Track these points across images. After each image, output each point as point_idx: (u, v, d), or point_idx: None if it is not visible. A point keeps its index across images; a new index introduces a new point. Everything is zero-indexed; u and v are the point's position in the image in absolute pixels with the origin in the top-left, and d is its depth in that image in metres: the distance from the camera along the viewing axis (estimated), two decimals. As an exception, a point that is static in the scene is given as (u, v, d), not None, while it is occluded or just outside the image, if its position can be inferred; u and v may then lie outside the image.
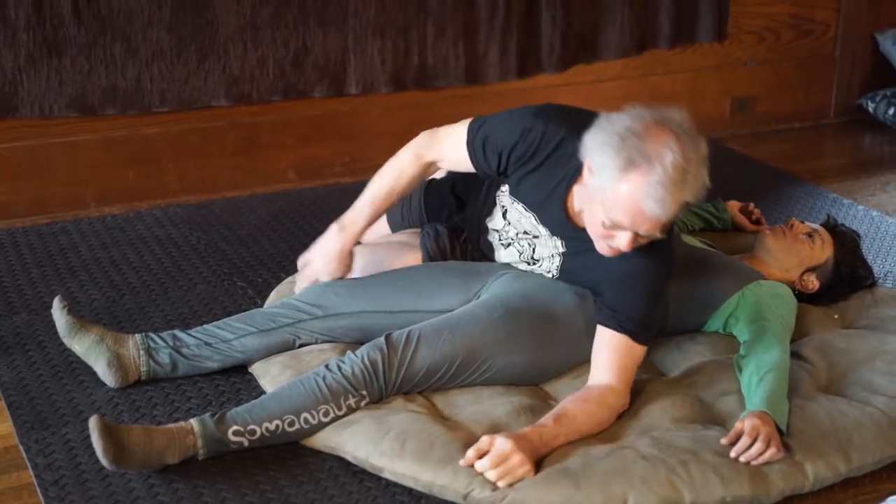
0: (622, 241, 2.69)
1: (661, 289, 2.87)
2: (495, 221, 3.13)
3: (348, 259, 3.17)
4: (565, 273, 3.00)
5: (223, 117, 4.41)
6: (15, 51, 4.01)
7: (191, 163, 4.40)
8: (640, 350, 2.84)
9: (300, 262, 3.26)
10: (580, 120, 2.81)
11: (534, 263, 3.05)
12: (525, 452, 2.63)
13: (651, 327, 2.87)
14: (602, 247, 2.77)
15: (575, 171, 2.83)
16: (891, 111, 5.31)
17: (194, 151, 4.40)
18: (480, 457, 2.64)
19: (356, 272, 3.34)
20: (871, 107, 5.41)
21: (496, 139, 2.94)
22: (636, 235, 2.68)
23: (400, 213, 3.55)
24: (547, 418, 2.75)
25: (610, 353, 2.83)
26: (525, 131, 2.90)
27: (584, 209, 2.80)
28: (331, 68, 4.47)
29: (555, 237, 2.98)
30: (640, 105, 2.69)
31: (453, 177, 3.46)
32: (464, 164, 3.04)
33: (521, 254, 3.07)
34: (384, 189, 3.11)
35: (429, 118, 4.59)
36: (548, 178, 2.90)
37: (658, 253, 2.82)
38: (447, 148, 3.06)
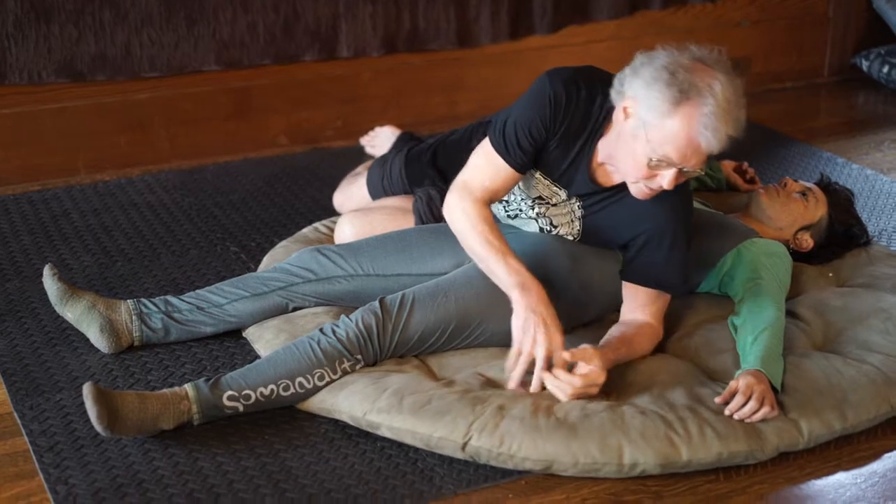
0: (666, 180, 2.65)
1: (690, 238, 2.88)
2: None
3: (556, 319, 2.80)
4: (588, 235, 2.97)
5: (214, 82, 4.38)
6: (3, 17, 3.98)
7: (182, 128, 4.38)
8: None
9: (509, 362, 2.79)
10: (594, 75, 2.83)
11: (553, 229, 3.02)
12: (604, 365, 2.73)
13: (687, 277, 2.94)
14: (639, 189, 2.72)
15: (600, 126, 2.80)
16: (885, 69, 5.29)
17: (185, 117, 4.37)
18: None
19: (347, 237, 3.34)
20: (865, 65, 5.39)
21: (524, 121, 2.81)
22: (679, 172, 2.65)
23: (381, 184, 3.54)
24: (612, 339, 2.83)
25: (648, 305, 2.91)
26: (550, 98, 2.79)
27: (618, 155, 2.74)
28: (322, 32, 4.44)
29: (572, 200, 2.94)
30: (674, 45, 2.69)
31: (434, 148, 3.44)
32: (501, 175, 2.86)
33: (538, 226, 3.04)
34: (495, 243, 2.83)
35: (420, 81, 4.62)
36: (571, 141, 2.83)
37: (679, 202, 2.83)
38: (478, 173, 2.87)
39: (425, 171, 3.43)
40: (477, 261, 2.86)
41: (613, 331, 2.90)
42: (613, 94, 2.71)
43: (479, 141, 3.00)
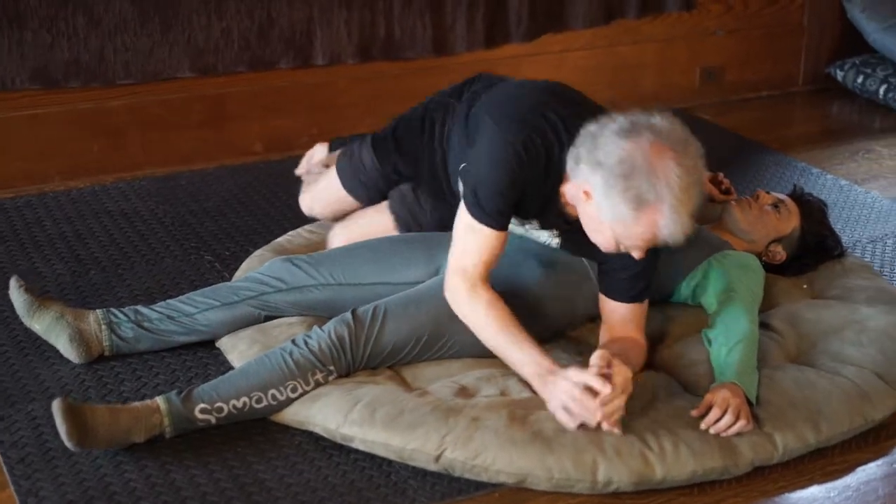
0: (636, 254, 2.68)
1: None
2: None
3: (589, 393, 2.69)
4: (567, 247, 2.97)
5: (188, 89, 4.36)
6: (-25, 24, 3.96)
7: (156, 135, 4.36)
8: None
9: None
10: (544, 128, 2.74)
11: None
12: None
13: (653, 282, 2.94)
14: (609, 250, 2.72)
15: (560, 177, 2.75)
16: (860, 79, 5.32)
17: (159, 123, 4.36)
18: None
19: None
20: (839, 75, 5.41)
21: (498, 188, 2.73)
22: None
23: (357, 179, 3.48)
24: (619, 352, 2.77)
25: (629, 322, 2.88)
26: (515, 162, 2.72)
27: (585, 225, 2.72)
28: (296, 39, 4.43)
29: (546, 230, 2.94)
30: (616, 113, 2.64)
31: (394, 129, 3.37)
32: (493, 243, 2.79)
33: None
34: (507, 330, 2.78)
35: (396, 89, 4.60)
36: (538, 190, 2.79)
37: None
38: (472, 252, 2.79)
39: (391, 155, 3.38)
40: (488, 347, 2.82)
41: (611, 347, 2.84)
42: (569, 163, 2.67)
43: (435, 118, 3.08)
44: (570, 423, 2.64)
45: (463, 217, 2.80)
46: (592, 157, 2.60)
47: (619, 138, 2.58)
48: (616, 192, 2.56)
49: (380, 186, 3.42)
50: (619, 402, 2.63)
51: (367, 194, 3.45)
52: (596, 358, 2.65)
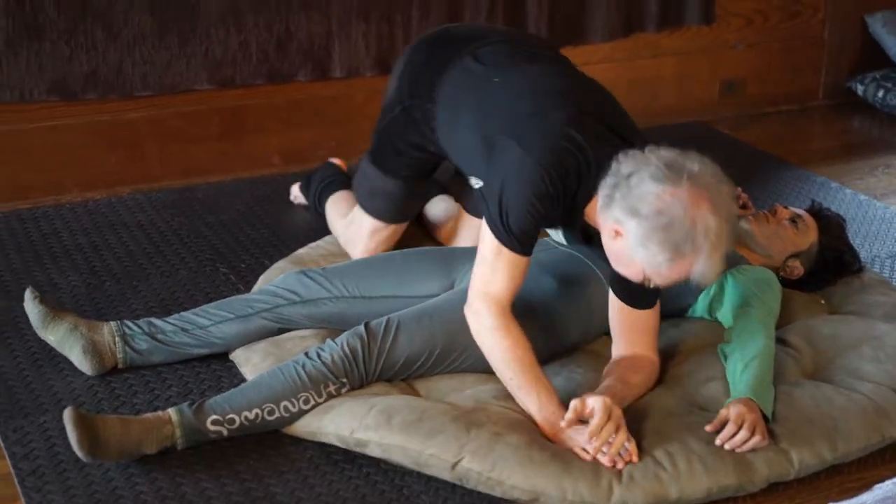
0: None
1: None
2: None
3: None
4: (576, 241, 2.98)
5: (206, 101, 4.37)
6: (-6, 35, 3.98)
7: (174, 147, 4.36)
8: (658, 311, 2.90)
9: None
10: (573, 151, 2.72)
11: None
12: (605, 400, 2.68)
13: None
14: (636, 280, 2.71)
15: (587, 193, 2.73)
16: (880, 94, 5.29)
17: (177, 136, 4.36)
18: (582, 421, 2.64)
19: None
20: (860, 89, 5.39)
21: (529, 213, 2.71)
22: None
23: (368, 185, 3.46)
24: (614, 382, 2.78)
25: (640, 331, 2.88)
26: (546, 185, 2.70)
27: (613, 259, 2.71)
28: (315, 52, 4.43)
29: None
30: (651, 153, 2.62)
31: (379, 134, 3.36)
32: (521, 267, 2.78)
33: None
34: (525, 375, 2.76)
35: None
36: (563, 211, 2.79)
37: None
38: (500, 277, 2.76)
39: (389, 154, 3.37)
40: (500, 378, 2.80)
41: (611, 374, 2.84)
42: (601, 199, 2.65)
43: (415, 114, 3.13)
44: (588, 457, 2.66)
45: (489, 241, 2.76)
46: (628, 203, 2.57)
47: (656, 184, 2.55)
48: (654, 243, 2.55)
49: (405, 198, 3.43)
50: (621, 437, 2.63)
51: (398, 212, 3.45)
52: (570, 411, 2.65)
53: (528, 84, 2.96)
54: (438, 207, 3.65)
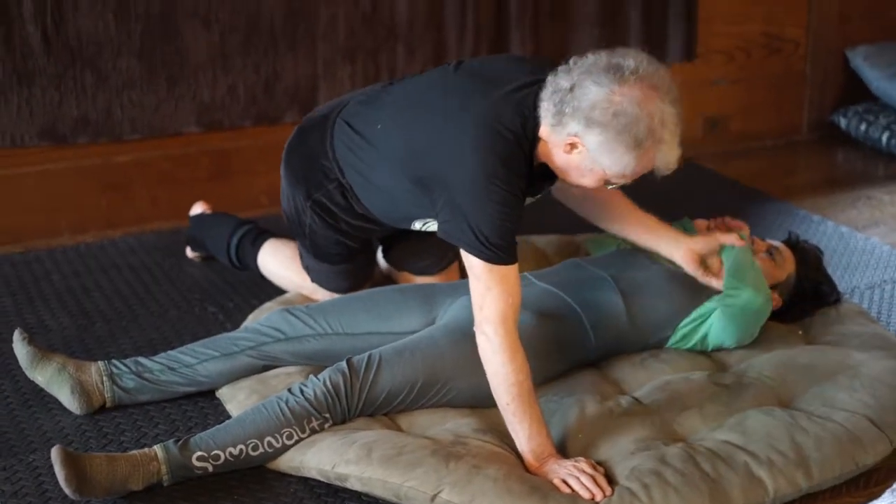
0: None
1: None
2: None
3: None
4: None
5: (195, 144, 4.43)
6: (-15, 81, 4.04)
7: (163, 189, 4.42)
8: None
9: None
10: (505, 142, 2.76)
11: None
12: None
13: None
14: (595, 186, 2.83)
15: (532, 156, 2.81)
16: (863, 127, 5.35)
17: (166, 178, 4.42)
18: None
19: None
20: (843, 123, 5.45)
21: (502, 221, 2.75)
22: None
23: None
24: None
25: (612, 195, 3.20)
26: (504, 189, 2.75)
27: (568, 175, 2.79)
28: (301, 93, 4.49)
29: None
30: (581, 61, 2.69)
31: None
32: (517, 276, 2.82)
33: None
34: (526, 405, 2.77)
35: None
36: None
37: None
38: (501, 296, 2.76)
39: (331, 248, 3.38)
40: (497, 402, 2.80)
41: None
42: (545, 123, 2.73)
43: (334, 199, 3.17)
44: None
45: (476, 265, 2.77)
46: (581, 115, 2.65)
47: (601, 88, 2.63)
48: (619, 146, 2.64)
49: (364, 266, 3.48)
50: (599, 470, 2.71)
51: (359, 280, 3.47)
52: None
53: (411, 113, 2.99)
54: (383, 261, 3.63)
